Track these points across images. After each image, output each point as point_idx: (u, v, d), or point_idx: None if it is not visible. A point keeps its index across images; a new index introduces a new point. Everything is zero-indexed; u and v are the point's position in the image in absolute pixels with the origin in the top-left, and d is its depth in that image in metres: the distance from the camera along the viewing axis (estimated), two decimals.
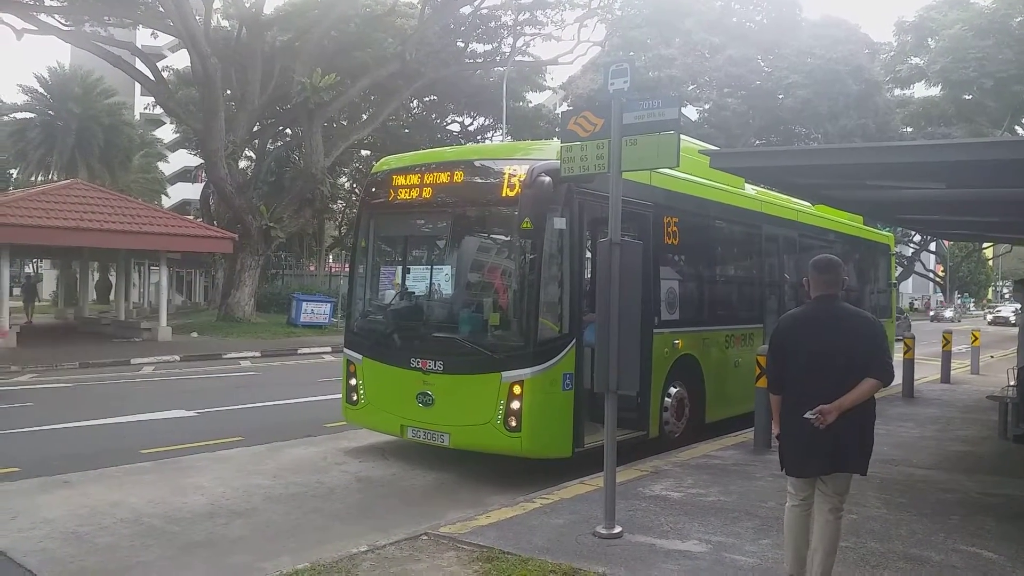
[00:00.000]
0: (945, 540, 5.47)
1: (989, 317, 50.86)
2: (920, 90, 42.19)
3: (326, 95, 26.02)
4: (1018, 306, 53.80)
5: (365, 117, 33.76)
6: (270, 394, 13.17)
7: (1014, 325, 35.63)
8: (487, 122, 40.69)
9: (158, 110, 40.83)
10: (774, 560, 4.90)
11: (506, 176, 7.30)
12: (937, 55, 35.88)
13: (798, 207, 11.87)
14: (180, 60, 40.06)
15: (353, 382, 8.24)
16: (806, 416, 4.04)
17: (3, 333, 18.92)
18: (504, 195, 7.27)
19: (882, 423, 10.33)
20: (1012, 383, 10.09)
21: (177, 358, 18.37)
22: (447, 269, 8.51)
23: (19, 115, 41.77)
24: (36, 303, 30.03)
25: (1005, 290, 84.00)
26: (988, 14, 34.68)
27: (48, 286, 48.22)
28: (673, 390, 8.56)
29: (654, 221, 8.33)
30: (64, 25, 26.24)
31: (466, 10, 31.22)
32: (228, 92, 28.04)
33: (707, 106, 39.94)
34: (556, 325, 7.13)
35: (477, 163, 8.07)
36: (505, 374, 6.99)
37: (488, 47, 35.13)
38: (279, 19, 29.26)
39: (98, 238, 20.15)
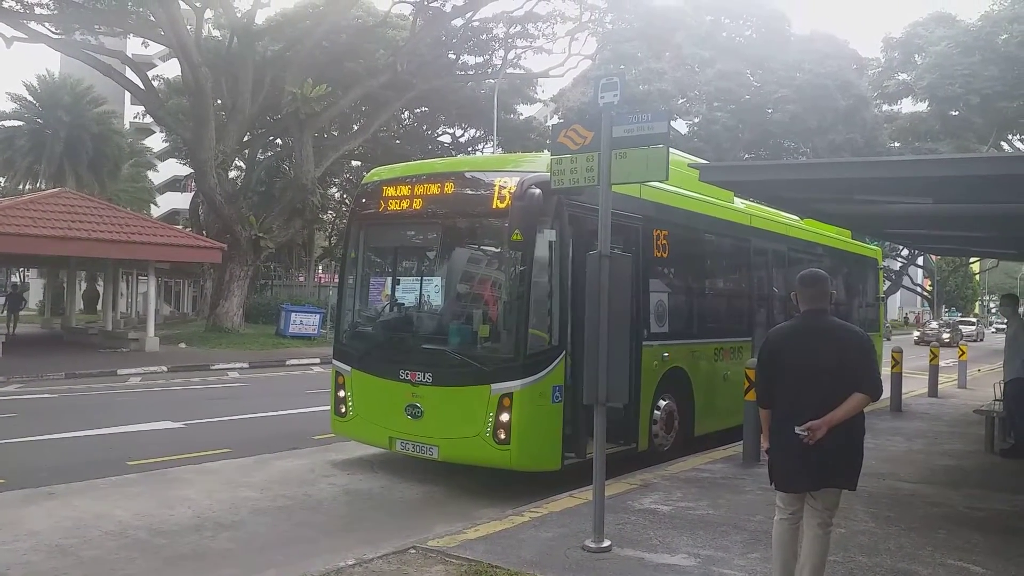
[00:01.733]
0: (933, 554, 5.48)
1: (916, 334, 42.00)
2: (907, 106, 42.59)
3: (317, 105, 26.03)
4: (972, 322, 53.30)
5: (356, 128, 33.79)
6: (258, 405, 13.10)
7: (948, 344, 34.43)
8: (478, 134, 40.78)
9: (148, 119, 40.68)
10: (763, 574, 4.90)
11: (496, 188, 7.32)
12: (924, 71, 36.23)
13: (787, 221, 11.93)
14: (170, 69, 39.95)
15: (342, 394, 8.20)
16: (796, 431, 4.04)
17: None
18: (494, 207, 7.28)
19: (870, 437, 10.35)
20: (999, 397, 10.16)
21: (164, 369, 18.26)
22: (437, 281, 8.52)
23: (7, 123, 41.51)
24: (20, 313, 29.09)
25: (992, 304, 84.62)
26: (974, 31, 35.06)
27: (35, 295, 47.85)
28: (662, 403, 8.57)
29: (643, 234, 8.37)
30: (54, 33, 26.17)
31: (458, 22, 31.32)
32: (219, 102, 27.99)
33: (697, 120, 40.13)
34: (545, 337, 7.14)
35: (467, 175, 8.09)
36: (494, 386, 6.98)
37: (479, 59, 35.26)
38: (270, 29, 29.28)
39: (86, 247, 20.01)
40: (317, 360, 20.94)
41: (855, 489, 4.27)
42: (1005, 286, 74.55)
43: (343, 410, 8.19)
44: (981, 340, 45.53)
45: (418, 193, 7.94)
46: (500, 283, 7.64)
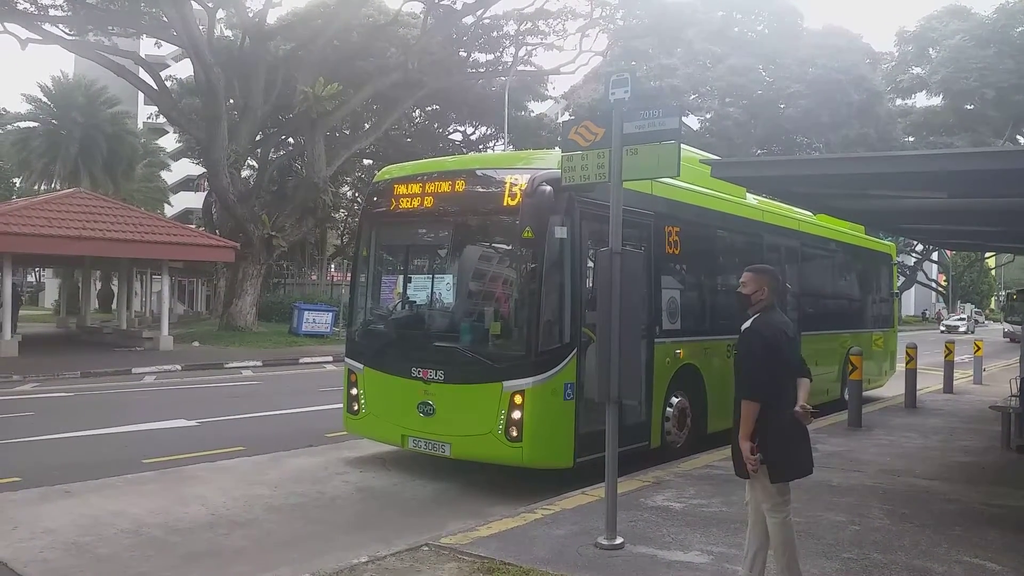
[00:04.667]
0: (948, 551, 5.44)
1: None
2: (922, 100, 42.30)
3: (328, 104, 26.09)
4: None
5: (367, 126, 33.85)
6: (271, 404, 13.16)
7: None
8: (489, 131, 40.79)
9: (161, 119, 40.99)
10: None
11: (507, 185, 7.31)
12: (938, 65, 36.00)
13: (800, 217, 11.86)
14: (183, 70, 40.21)
15: (354, 392, 8.22)
16: (811, 412, 4.30)
17: None
18: (505, 204, 7.28)
19: (885, 433, 10.34)
20: (1015, 393, 10.07)
21: (178, 367, 18.36)
22: (448, 278, 8.51)
23: (23, 124, 41.83)
24: (19, 313, 28.04)
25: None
26: (989, 24, 34.81)
27: (50, 295, 48.24)
28: (675, 400, 8.55)
29: (655, 230, 8.34)
30: (68, 35, 26.37)
31: (468, 20, 31.33)
32: (231, 101, 28.10)
33: (708, 115, 40.03)
34: (557, 334, 7.12)
35: (478, 172, 8.08)
36: (506, 384, 6.98)
37: (490, 57, 35.23)
38: (282, 29, 29.38)
39: (100, 247, 20.16)
40: (330, 358, 21.00)
41: None
42: (1022, 281, 73.90)
43: (356, 408, 8.21)
44: None
45: (429, 191, 7.95)
46: (511, 280, 7.64)
